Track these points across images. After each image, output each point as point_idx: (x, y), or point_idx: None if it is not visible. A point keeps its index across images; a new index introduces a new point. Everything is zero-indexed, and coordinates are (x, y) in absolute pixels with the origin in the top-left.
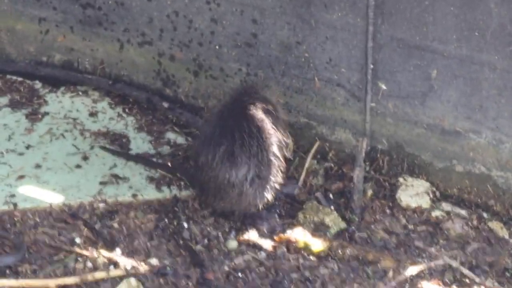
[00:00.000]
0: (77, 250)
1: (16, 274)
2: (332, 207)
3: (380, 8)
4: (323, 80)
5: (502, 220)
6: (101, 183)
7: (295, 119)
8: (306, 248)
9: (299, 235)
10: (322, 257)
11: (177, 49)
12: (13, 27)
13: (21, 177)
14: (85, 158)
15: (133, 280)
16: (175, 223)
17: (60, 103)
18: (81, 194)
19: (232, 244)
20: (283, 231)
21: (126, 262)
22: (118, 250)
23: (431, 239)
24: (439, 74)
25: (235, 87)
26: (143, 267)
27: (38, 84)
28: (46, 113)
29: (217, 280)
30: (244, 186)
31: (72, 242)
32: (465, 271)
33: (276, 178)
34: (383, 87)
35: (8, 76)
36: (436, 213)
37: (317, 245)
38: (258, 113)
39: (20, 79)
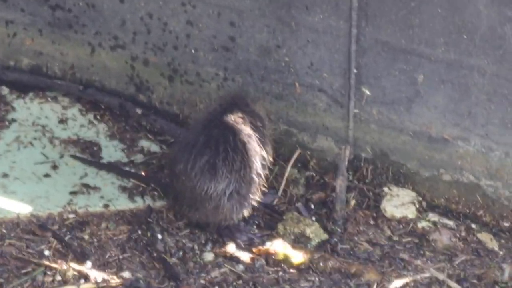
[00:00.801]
0: (46, 262)
1: None
2: (314, 218)
3: (363, 10)
4: (304, 85)
5: (492, 231)
6: (71, 193)
7: (275, 126)
8: (286, 260)
9: (278, 247)
10: (302, 270)
11: (151, 53)
12: None
13: None
14: (55, 167)
15: None
16: (148, 234)
17: (28, 110)
18: (50, 204)
19: (209, 256)
20: (262, 243)
21: (97, 276)
22: (89, 263)
23: (417, 251)
24: (426, 79)
25: (224, 94)
26: (115, 281)
27: (5, 90)
28: (14, 120)
29: None
30: (221, 200)
31: (41, 255)
32: (453, 284)
33: (255, 196)
34: (367, 92)
35: None
36: (422, 224)
37: (298, 257)
38: (246, 128)
39: None
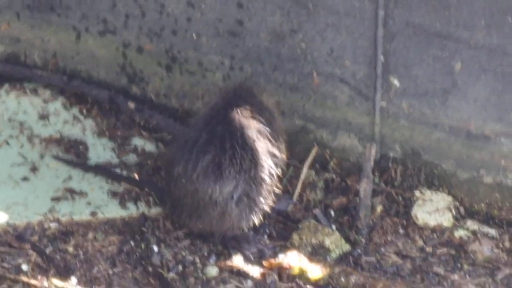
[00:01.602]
0: (24, 278)
1: None
2: (334, 227)
3: None
4: (323, 75)
5: None
6: (53, 199)
7: (289, 122)
8: (302, 275)
9: (293, 260)
10: (321, 286)
11: (146, 39)
12: None
13: None
14: (34, 169)
15: None
16: (142, 246)
17: (3, 104)
18: (28, 212)
19: (212, 271)
20: (274, 256)
21: None
22: (73, 279)
23: (454, 264)
24: (464, 67)
25: (226, 86)
26: None
27: None
28: None
29: None
30: (228, 205)
31: (18, 270)
32: None
33: (267, 200)
34: (396, 83)
35: None
36: (459, 233)
37: (316, 271)
38: (254, 122)
39: None
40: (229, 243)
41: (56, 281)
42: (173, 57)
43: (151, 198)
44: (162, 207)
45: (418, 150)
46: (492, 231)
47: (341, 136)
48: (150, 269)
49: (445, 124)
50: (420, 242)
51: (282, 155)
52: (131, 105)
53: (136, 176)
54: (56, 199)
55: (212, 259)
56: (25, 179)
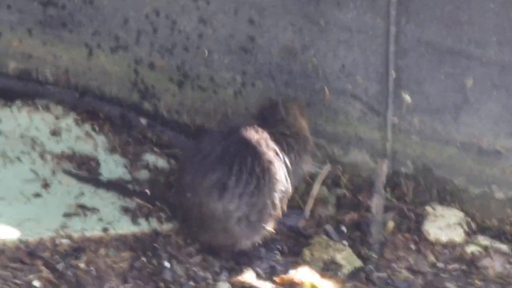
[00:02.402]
0: None
1: None
2: (345, 242)
3: (404, 5)
4: (335, 91)
5: None
6: (65, 215)
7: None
8: None
9: (305, 275)
10: None
11: (158, 56)
12: None
13: None
14: (46, 185)
15: None
16: (154, 262)
17: (15, 120)
18: (40, 228)
19: (224, 287)
20: (286, 271)
21: None
22: None
23: (466, 279)
24: (476, 83)
25: (260, 102)
26: None
27: None
28: None
29: None
30: (229, 223)
31: (30, 286)
32: None
33: (267, 225)
34: (408, 99)
35: None
36: (471, 249)
37: (327, 287)
38: (269, 151)
39: None
40: (241, 259)
41: None
42: (185, 73)
43: (162, 214)
44: (174, 221)
45: (429, 166)
46: (504, 247)
47: (353, 151)
48: (161, 285)
49: (456, 140)
50: (432, 258)
51: (290, 187)
52: (143, 121)
53: (147, 191)
54: (68, 215)
55: (224, 275)
56: (37, 195)
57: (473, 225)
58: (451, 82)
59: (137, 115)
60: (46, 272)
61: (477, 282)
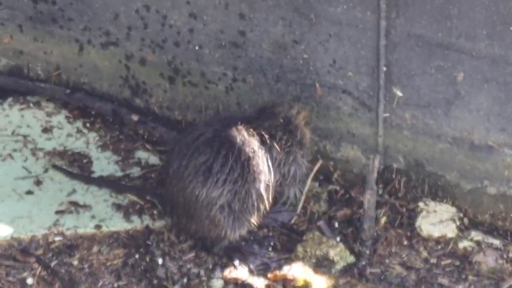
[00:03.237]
0: None
1: None
2: (338, 238)
3: None
4: (326, 86)
5: None
6: (57, 212)
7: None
8: (307, 287)
9: (298, 272)
10: None
11: (149, 51)
12: None
13: None
14: (38, 182)
15: None
16: (147, 259)
17: (7, 117)
18: (33, 226)
19: (217, 283)
20: (279, 268)
21: None
22: None
23: (458, 275)
24: (467, 77)
25: (269, 100)
26: None
27: None
28: None
29: None
30: (212, 210)
31: (23, 283)
32: None
33: (252, 216)
34: (399, 93)
35: None
36: (464, 244)
37: (320, 283)
38: (255, 143)
39: None
40: (234, 255)
41: None
42: (176, 68)
43: (155, 211)
44: (167, 219)
45: (421, 161)
46: (497, 242)
47: (345, 147)
48: (155, 282)
49: (448, 135)
50: (425, 253)
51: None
52: (134, 117)
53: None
54: (60, 213)
55: (217, 271)
56: (29, 192)
57: (466, 221)
58: (442, 76)
59: (128, 111)
60: (39, 270)
61: (470, 277)
